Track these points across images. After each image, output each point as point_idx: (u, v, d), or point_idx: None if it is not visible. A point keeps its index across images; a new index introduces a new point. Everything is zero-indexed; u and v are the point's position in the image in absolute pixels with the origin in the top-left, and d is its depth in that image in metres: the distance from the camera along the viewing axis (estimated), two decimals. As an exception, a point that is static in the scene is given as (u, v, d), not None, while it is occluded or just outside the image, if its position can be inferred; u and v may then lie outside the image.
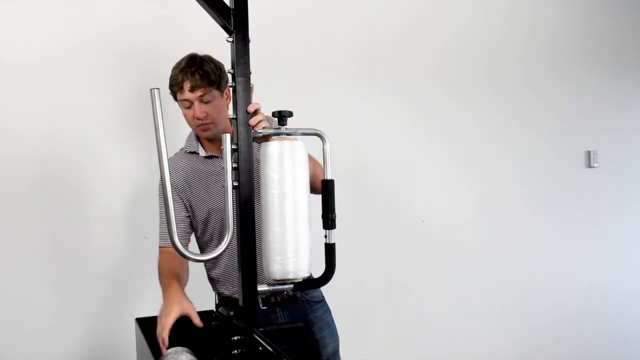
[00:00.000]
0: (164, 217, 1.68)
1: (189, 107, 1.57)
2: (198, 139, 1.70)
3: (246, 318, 1.11)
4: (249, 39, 1.14)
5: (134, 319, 1.48)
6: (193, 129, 1.66)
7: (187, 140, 1.73)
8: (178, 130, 1.74)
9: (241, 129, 1.12)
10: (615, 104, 3.25)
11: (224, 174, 1.10)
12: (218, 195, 1.61)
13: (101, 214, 2.06)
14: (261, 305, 1.55)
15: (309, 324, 1.66)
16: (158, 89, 1.05)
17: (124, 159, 2.10)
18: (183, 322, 1.35)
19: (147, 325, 1.38)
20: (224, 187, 1.11)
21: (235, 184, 1.12)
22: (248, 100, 1.14)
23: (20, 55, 1.97)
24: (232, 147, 1.11)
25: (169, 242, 1.69)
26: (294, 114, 1.18)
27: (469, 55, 2.81)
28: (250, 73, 1.13)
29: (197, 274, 2.05)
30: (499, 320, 2.86)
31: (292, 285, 1.15)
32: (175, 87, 1.57)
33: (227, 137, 1.10)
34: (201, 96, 1.54)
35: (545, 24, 3.06)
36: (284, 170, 1.11)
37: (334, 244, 1.19)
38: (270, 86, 2.06)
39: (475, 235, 2.79)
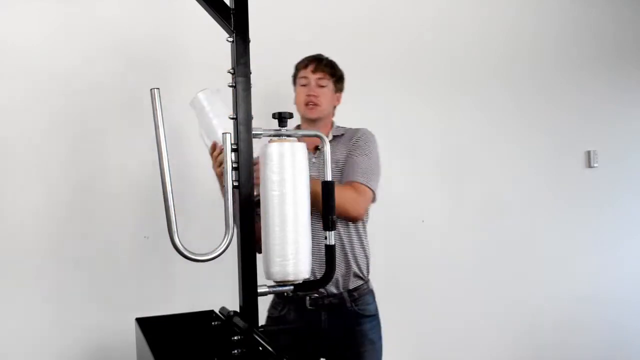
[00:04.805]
0: None
1: (304, 85, 1.74)
2: None
3: (246, 318, 1.11)
4: (249, 39, 1.13)
5: (134, 319, 1.48)
6: (301, 110, 1.76)
7: None
8: (178, 131, 1.73)
9: (241, 128, 1.12)
10: (616, 104, 3.25)
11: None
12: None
13: (101, 214, 2.06)
14: (308, 305, 1.64)
15: (352, 335, 1.68)
16: (158, 88, 1.05)
17: (125, 159, 2.10)
18: (183, 322, 1.35)
19: (147, 325, 1.38)
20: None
21: (236, 183, 1.12)
22: (248, 100, 1.13)
23: (20, 57, 1.97)
24: (232, 147, 1.11)
25: None
26: (294, 115, 1.18)
27: (468, 57, 2.80)
28: (250, 73, 1.13)
29: (198, 275, 2.05)
30: (499, 319, 2.85)
31: (292, 287, 1.15)
32: (300, 64, 1.77)
33: (227, 137, 1.10)
34: (319, 79, 1.73)
35: (545, 24, 3.06)
36: (284, 172, 1.11)
37: (334, 245, 1.19)
38: (270, 87, 2.07)
39: (475, 235, 2.79)
